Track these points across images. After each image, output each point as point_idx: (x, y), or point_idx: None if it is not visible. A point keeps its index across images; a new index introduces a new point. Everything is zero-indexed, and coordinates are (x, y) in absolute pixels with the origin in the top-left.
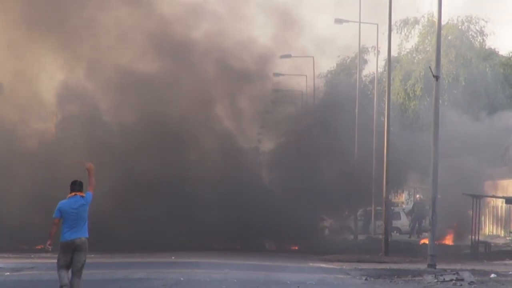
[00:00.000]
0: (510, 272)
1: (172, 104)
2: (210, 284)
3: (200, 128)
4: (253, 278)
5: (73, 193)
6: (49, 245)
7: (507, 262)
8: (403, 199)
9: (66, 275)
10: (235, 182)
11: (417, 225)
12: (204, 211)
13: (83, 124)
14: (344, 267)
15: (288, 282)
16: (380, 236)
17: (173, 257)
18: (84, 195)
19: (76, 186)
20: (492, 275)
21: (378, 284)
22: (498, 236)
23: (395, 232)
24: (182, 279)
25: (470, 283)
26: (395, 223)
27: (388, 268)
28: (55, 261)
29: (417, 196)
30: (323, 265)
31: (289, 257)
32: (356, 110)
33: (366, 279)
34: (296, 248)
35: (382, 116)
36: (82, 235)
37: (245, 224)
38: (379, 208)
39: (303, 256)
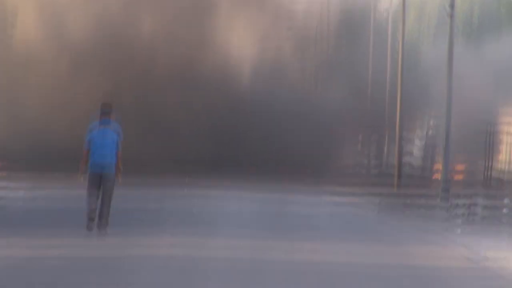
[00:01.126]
0: None
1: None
2: (222, 212)
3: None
4: (266, 210)
5: (103, 117)
6: (80, 176)
7: None
8: (417, 133)
9: (95, 202)
10: (254, 104)
11: (430, 153)
12: (218, 135)
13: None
14: (357, 200)
15: (301, 212)
16: (393, 168)
17: (186, 180)
18: (114, 119)
19: (107, 111)
20: (505, 200)
21: (390, 215)
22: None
23: (407, 165)
24: (194, 207)
25: (483, 211)
26: (409, 155)
27: (400, 199)
28: (68, 183)
29: (430, 123)
30: (336, 197)
31: (303, 185)
32: (370, 50)
33: (378, 212)
34: (309, 175)
35: (396, 54)
36: (108, 168)
37: (261, 150)
38: (392, 133)
39: (317, 184)
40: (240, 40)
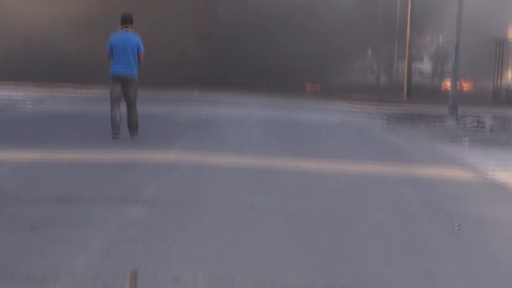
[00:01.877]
0: None
1: None
2: (232, 122)
3: None
4: (275, 117)
5: (123, 26)
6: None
7: None
8: (427, 42)
9: (118, 113)
10: (261, 19)
11: (439, 68)
12: (233, 48)
13: None
14: (365, 108)
15: (309, 122)
16: (402, 78)
17: (195, 93)
18: (134, 28)
19: (127, 19)
20: None
21: (399, 126)
22: None
23: (417, 74)
24: (203, 116)
25: (491, 127)
26: (418, 65)
27: (409, 111)
28: (78, 94)
29: (440, 38)
30: (345, 105)
31: (311, 98)
32: None
33: (387, 122)
34: (318, 87)
35: None
36: (130, 71)
37: (271, 63)
38: (402, 49)
39: (325, 97)
40: None
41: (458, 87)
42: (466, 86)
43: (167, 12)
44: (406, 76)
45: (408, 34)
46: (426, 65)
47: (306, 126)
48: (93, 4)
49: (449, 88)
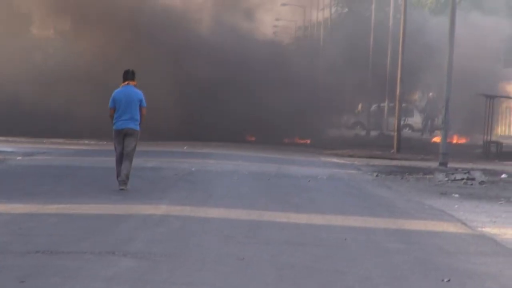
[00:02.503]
0: None
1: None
2: (221, 175)
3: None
4: (265, 170)
5: (126, 82)
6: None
7: None
8: (417, 97)
9: (122, 163)
10: (251, 76)
11: (429, 123)
12: (219, 104)
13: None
14: (356, 162)
15: (299, 175)
16: (392, 133)
17: (185, 147)
18: (136, 84)
19: (129, 75)
20: (503, 175)
21: (388, 180)
22: (510, 137)
23: (407, 129)
24: (193, 169)
25: (481, 182)
26: (408, 120)
27: (399, 165)
28: (68, 147)
29: (430, 94)
30: (335, 160)
31: (301, 151)
32: (373, 7)
33: (377, 175)
34: (308, 142)
35: (399, 13)
36: (133, 125)
37: (259, 117)
38: (392, 104)
39: (315, 151)
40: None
41: (448, 142)
42: (456, 140)
43: (154, 70)
44: (396, 131)
45: (398, 90)
46: (416, 120)
47: (296, 179)
48: (83, 61)
49: (439, 142)
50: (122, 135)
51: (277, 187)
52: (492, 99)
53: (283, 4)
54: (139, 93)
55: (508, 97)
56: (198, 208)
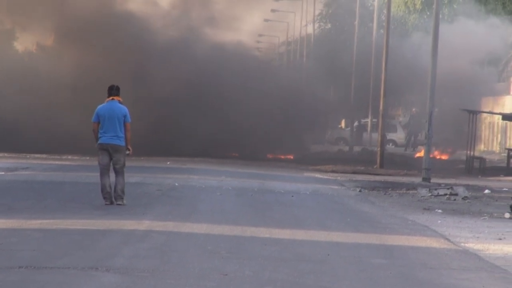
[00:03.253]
0: (504, 188)
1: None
2: (205, 190)
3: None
4: (248, 186)
5: (110, 98)
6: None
7: (501, 178)
8: (400, 112)
9: (108, 181)
10: (232, 91)
11: (412, 138)
12: (202, 119)
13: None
14: (339, 178)
15: (282, 191)
16: (376, 148)
17: (168, 163)
18: (121, 100)
19: (113, 90)
20: (486, 191)
21: (372, 196)
22: (493, 152)
23: (390, 144)
24: (177, 184)
25: (464, 198)
26: (391, 135)
27: (382, 180)
28: (51, 162)
29: (413, 109)
30: (318, 175)
31: (284, 167)
32: (356, 22)
33: (360, 191)
34: (291, 157)
35: (382, 29)
36: (118, 141)
37: (242, 132)
38: (375, 120)
39: (298, 166)
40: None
41: (431, 157)
42: (439, 155)
43: (135, 84)
44: (379, 146)
45: (381, 105)
46: (399, 135)
47: (279, 195)
48: (64, 76)
49: (422, 158)
50: (107, 151)
51: (260, 203)
52: (475, 114)
53: (266, 20)
54: (124, 109)
55: (491, 113)
56: (182, 223)
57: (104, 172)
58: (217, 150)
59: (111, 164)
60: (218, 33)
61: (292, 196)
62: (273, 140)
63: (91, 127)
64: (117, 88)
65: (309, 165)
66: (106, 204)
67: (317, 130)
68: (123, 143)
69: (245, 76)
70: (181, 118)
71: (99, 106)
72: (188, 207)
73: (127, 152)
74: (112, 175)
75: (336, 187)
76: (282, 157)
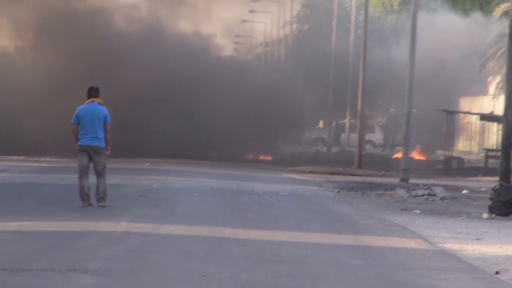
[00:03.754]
0: (482, 188)
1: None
2: (183, 192)
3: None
4: (227, 187)
5: (90, 99)
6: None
7: (479, 178)
8: (378, 113)
9: (87, 183)
10: (210, 91)
11: (390, 139)
12: (179, 120)
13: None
14: (317, 179)
15: (261, 192)
16: (354, 149)
17: (146, 164)
18: (101, 101)
19: (93, 92)
20: (464, 191)
21: (350, 196)
22: (471, 153)
23: (368, 145)
24: (155, 186)
25: (442, 198)
26: (369, 136)
27: (360, 181)
28: (28, 164)
29: (391, 110)
30: (296, 176)
31: (262, 168)
32: (334, 22)
33: (338, 191)
34: (270, 158)
35: (360, 30)
36: (98, 142)
37: (221, 133)
38: (353, 121)
39: (277, 167)
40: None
41: (409, 157)
42: (417, 156)
43: (114, 84)
44: (357, 147)
45: (359, 105)
46: (377, 136)
47: (258, 196)
48: (41, 80)
49: (400, 158)
50: (87, 152)
51: (238, 204)
52: (453, 114)
53: (244, 21)
54: (104, 110)
55: (468, 113)
56: (159, 225)
57: (83, 174)
58: (195, 152)
59: (90, 165)
60: (194, 33)
61: (271, 197)
62: (251, 141)
63: (67, 128)
64: (97, 90)
65: (287, 166)
66: (84, 205)
67: (295, 131)
68: (103, 145)
69: (222, 77)
70: (157, 119)
71: (79, 107)
72: (166, 209)
73: (106, 152)
74: (91, 177)
75: (314, 188)
76: (261, 158)
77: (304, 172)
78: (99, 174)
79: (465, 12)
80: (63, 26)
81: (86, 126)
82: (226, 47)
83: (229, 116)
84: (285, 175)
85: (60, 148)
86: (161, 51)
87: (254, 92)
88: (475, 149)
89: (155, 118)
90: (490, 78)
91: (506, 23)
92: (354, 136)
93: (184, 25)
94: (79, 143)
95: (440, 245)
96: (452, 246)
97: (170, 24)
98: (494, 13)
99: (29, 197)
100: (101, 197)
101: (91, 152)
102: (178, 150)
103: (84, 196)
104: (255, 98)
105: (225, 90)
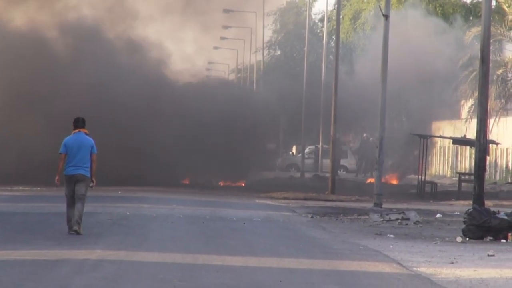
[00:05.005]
0: (456, 212)
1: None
2: (156, 219)
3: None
4: (199, 214)
5: (77, 130)
6: (57, 180)
7: (452, 202)
8: (351, 138)
9: (72, 212)
10: (182, 117)
11: (364, 163)
12: (150, 146)
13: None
14: (290, 204)
15: (234, 218)
16: (327, 174)
17: (119, 192)
18: (87, 132)
19: (79, 122)
20: (438, 215)
21: (323, 222)
22: (444, 177)
23: (342, 170)
24: (128, 213)
25: (416, 222)
26: (342, 161)
27: (334, 206)
28: (2, 193)
29: (364, 134)
30: (269, 202)
31: (235, 194)
32: (306, 48)
33: (312, 217)
34: (243, 185)
35: (332, 55)
36: (84, 171)
37: (193, 160)
38: (326, 146)
39: (250, 193)
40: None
41: (382, 182)
42: (391, 180)
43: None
44: (330, 172)
45: (332, 130)
46: (350, 161)
47: (231, 222)
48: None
49: (373, 183)
50: (73, 181)
51: (212, 230)
52: (426, 139)
53: (216, 48)
54: (90, 140)
55: (442, 137)
56: (133, 252)
57: (71, 203)
58: (168, 179)
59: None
60: (165, 59)
61: (244, 223)
62: (224, 168)
63: (39, 158)
64: (83, 120)
65: (261, 192)
66: (70, 233)
67: (268, 157)
68: (88, 174)
69: (193, 103)
70: (132, 146)
71: (66, 138)
72: (140, 236)
73: (91, 184)
74: None
75: (288, 213)
76: (234, 184)
77: (277, 198)
78: (79, 199)
79: (437, 33)
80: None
81: (74, 156)
82: (198, 74)
83: (201, 142)
84: (258, 201)
85: (34, 178)
86: (127, 79)
87: (226, 117)
88: (448, 173)
89: (127, 146)
90: (462, 102)
91: (477, 46)
92: (327, 162)
93: (154, 53)
94: (66, 173)
95: (415, 269)
96: (426, 270)
97: (139, 52)
98: (466, 37)
99: (2, 226)
100: (76, 221)
101: (76, 180)
102: (150, 177)
103: (70, 229)
104: (227, 124)
105: (195, 116)
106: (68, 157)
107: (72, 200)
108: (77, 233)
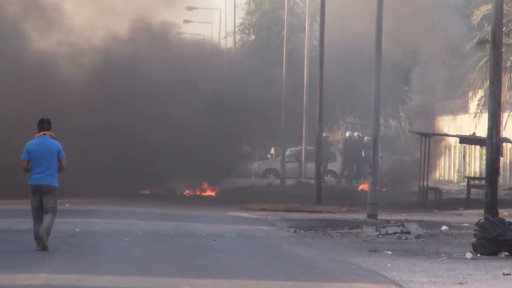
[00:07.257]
0: (465, 224)
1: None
2: (111, 236)
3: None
4: (162, 229)
5: (41, 133)
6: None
7: (461, 211)
8: (339, 137)
9: (40, 221)
10: (140, 120)
11: (355, 167)
12: (104, 153)
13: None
14: (269, 217)
15: (203, 234)
16: (312, 181)
17: (67, 205)
18: (53, 135)
19: (44, 124)
20: (443, 228)
21: (308, 237)
22: (450, 182)
23: (329, 176)
24: (77, 230)
25: (418, 236)
26: (330, 165)
27: (320, 218)
28: None
29: (347, 132)
30: (244, 214)
31: (204, 205)
32: (284, 33)
33: (294, 231)
34: (214, 194)
35: (315, 40)
36: (50, 180)
37: (153, 167)
38: (310, 147)
39: (221, 204)
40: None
41: (377, 189)
42: (387, 187)
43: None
44: (316, 178)
45: (317, 129)
46: (339, 165)
47: (200, 238)
48: None
49: (366, 191)
50: (39, 192)
51: (177, 248)
52: (428, 137)
53: (178, 33)
54: (57, 144)
55: (446, 135)
56: (85, 276)
57: (37, 216)
58: (124, 188)
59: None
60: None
61: (215, 239)
62: (191, 175)
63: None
64: (48, 122)
65: (234, 203)
66: (38, 249)
67: (242, 161)
68: (56, 183)
69: (150, 102)
70: (77, 153)
71: (30, 143)
72: (92, 257)
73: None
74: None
75: (266, 227)
76: (202, 194)
77: (254, 209)
78: (48, 212)
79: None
80: None
81: (38, 163)
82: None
83: (158, 146)
84: (231, 213)
85: None
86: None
87: (190, 115)
88: (455, 177)
89: (74, 153)
90: (470, 94)
91: (488, 28)
92: (312, 166)
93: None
94: (31, 182)
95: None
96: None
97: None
98: (474, 17)
99: None
100: (46, 232)
101: (42, 190)
102: (103, 187)
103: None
104: (190, 122)
105: (151, 116)
106: (33, 164)
107: (39, 212)
108: (44, 248)
